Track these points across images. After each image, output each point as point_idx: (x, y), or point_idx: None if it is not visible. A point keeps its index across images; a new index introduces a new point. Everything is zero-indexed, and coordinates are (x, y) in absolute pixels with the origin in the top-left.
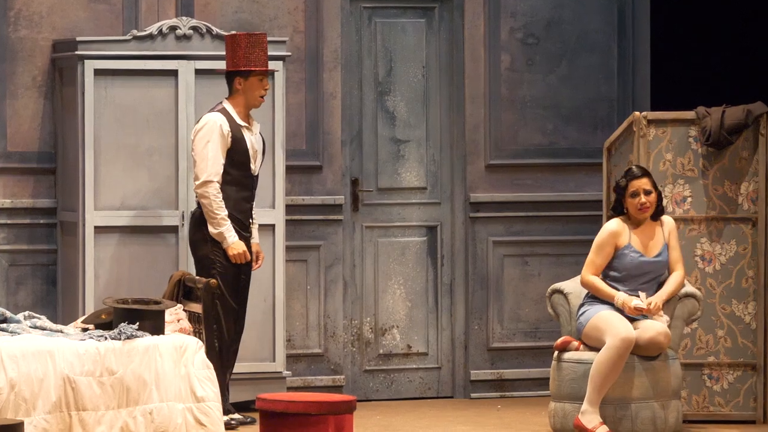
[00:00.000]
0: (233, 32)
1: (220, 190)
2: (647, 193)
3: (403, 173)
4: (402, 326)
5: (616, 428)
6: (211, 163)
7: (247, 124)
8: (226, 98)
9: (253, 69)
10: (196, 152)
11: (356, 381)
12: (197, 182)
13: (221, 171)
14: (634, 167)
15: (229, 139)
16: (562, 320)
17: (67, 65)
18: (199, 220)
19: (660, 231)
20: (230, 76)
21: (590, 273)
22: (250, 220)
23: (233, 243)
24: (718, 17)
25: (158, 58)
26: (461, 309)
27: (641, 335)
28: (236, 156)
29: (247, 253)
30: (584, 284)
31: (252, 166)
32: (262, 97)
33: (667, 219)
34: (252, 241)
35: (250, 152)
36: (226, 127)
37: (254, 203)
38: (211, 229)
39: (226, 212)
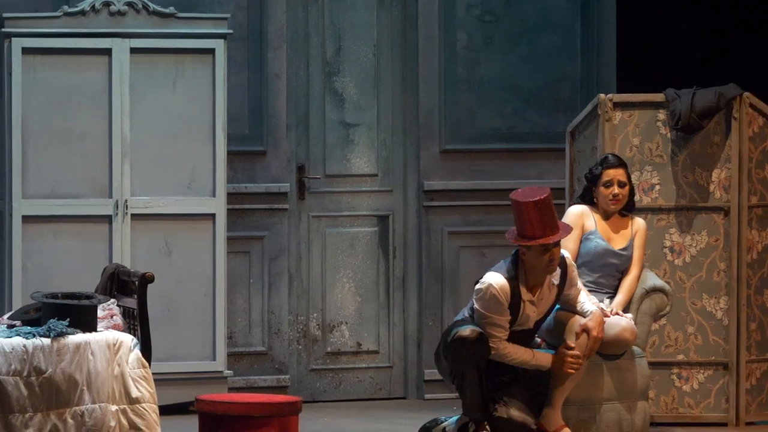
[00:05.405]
0: (526, 200)
1: (502, 346)
2: (621, 185)
3: (352, 159)
4: (351, 323)
5: (579, 431)
6: (489, 330)
7: (532, 297)
8: None
9: (526, 244)
10: (476, 308)
11: (302, 381)
12: None
13: (503, 333)
14: (610, 156)
15: (506, 306)
16: None
17: None
18: None
19: (628, 226)
20: None
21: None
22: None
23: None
24: None
25: (90, 35)
26: (414, 304)
27: (606, 332)
28: None
29: None
30: None
31: (513, 328)
32: (547, 266)
33: (638, 219)
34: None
35: (520, 320)
36: (503, 298)
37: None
38: None
39: (519, 351)
